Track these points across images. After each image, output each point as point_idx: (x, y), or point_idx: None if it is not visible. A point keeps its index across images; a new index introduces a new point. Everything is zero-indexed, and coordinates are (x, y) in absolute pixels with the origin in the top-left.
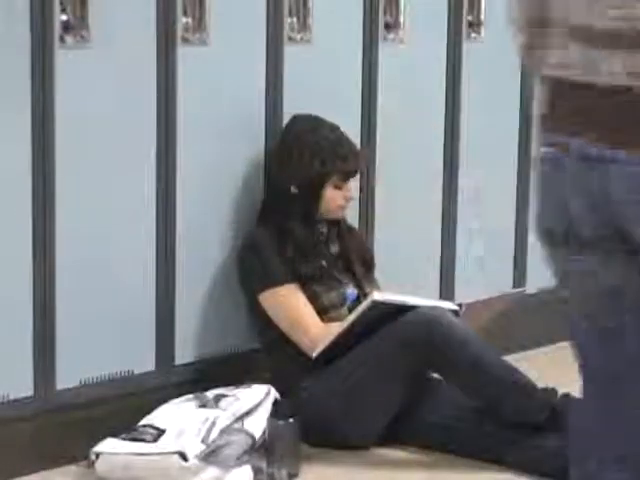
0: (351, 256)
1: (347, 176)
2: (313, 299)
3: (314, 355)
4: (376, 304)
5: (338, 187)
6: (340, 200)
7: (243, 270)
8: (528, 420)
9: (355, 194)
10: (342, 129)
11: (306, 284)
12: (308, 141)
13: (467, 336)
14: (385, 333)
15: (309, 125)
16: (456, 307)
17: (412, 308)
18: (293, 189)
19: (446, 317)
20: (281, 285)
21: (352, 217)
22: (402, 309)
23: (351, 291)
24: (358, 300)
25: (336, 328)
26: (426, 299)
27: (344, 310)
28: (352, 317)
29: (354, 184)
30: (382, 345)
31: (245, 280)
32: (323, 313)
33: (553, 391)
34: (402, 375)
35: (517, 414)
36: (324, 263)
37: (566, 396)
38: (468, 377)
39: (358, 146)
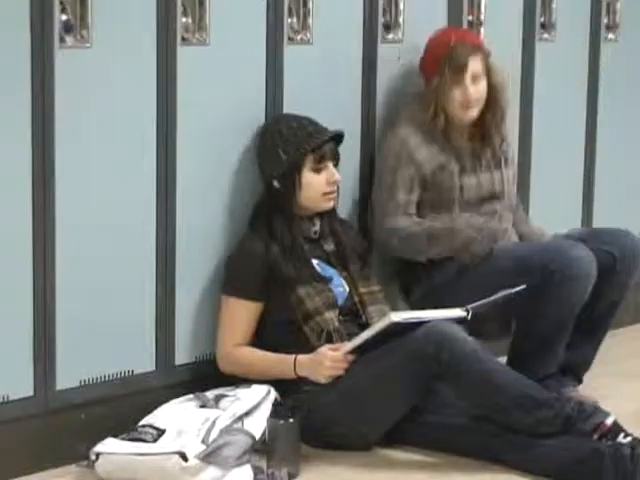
0: (346, 252)
1: (321, 157)
2: (297, 304)
3: (221, 370)
4: (392, 325)
5: (317, 171)
6: (323, 186)
7: (224, 271)
8: (540, 432)
9: (337, 177)
10: (342, 129)
11: (291, 287)
12: (273, 134)
13: (476, 352)
14: (394, 346)
15: (273, 121)
16: (464, 313)
17: (425, 323)
18: (275, 184)
19: (456, 332)
20: (237, 297)
21: (352, 213)
22: (416, 324)
23: (342, 290)
24: (350, 298)
25: (257, 357)
26: (437, 310)
27: (329, 314)
28: (366, 335)
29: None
30: (390, 358)
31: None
32: (308, 318)
33: (567, 399)
34: (409, 387)
35: (529, 427)
36: (314, 262)
37: (581, 404)
38: (478, 393)
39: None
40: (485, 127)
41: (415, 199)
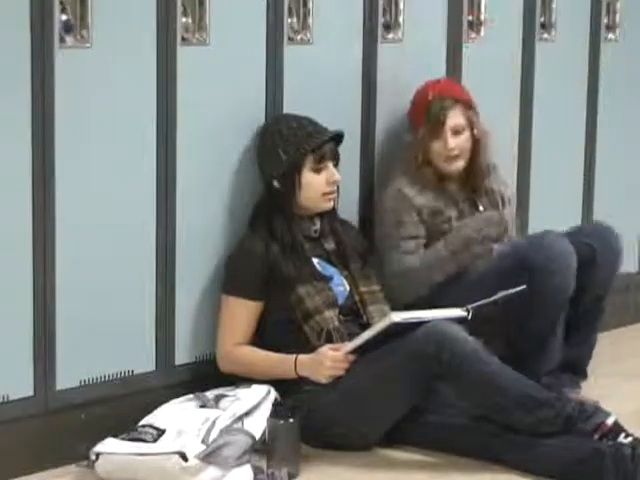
0: (346, 251)
1: (321, 157)
2: (297, 303)
3: (221, 369)
4: (393, 325)
5: (317, 171)
6: (323, 186)
7: (224, 270)
8: (541, 432)
9: (337, 177)
10: (342, 129)
11: (291, 286)
12: (273, 134)
13: (477, 352)
14: (395, 346)
15: (273, 121)
16: (464, 313)
17: (425, 323)
18: (275, 184)
19: (456, 332)
20: (237, 297)
21: (352, 213)
22: (416, 324)
23: (342, 289)
24: (351, 297)
25: (257, 357)
26: (438, 310)
27: (329, 313)
28: (367, 335)
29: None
30: (391, 358)
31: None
32: (308, 318)
33: (567, 400)
34: (410, 387)
35: (530, 427)
36: (315, 261)
37: (582, 404)
38: (479, 393)
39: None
40: (473, 177)
41: (422, 242)
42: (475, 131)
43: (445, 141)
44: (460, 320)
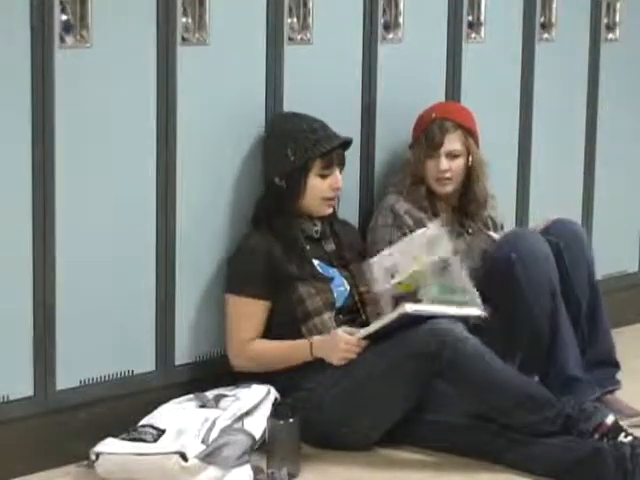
0: (346, 253)
1: (328, 163)
2: (298, 303)
3: (234, 367)
4: (405, 316)
5: (323, 176)
6: (326, 191)
7: (227, 270)
8: (542, 431)
9: (341, 184)
10: (341, 129)
11: (293, 285)
12: (282, 132)
13: (479, 351)
14: (397, 342)
15: (285, 119)
16: (481, 312)
17: (437, 317)
18: (278, 181)
19: (458, 331)
20: (242, 296)
21: (352, 214)
22: (428, 318)
23: (343, 289)
24: (351, 297)
25: (271, 348)
26: (453, 308)
27: (328, 315)
28: (380, 323)
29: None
30: (392, 354)
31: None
32: (307, 319)
33: (567, 400)
34: (410, 385)
35: (530, 427)
36: (315, 262)
37: (581, 404)
38: (480, 392)
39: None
40: (467, 204)
41: None
42: (470, 159)
43: (438, 163)
44: (462, 320)
